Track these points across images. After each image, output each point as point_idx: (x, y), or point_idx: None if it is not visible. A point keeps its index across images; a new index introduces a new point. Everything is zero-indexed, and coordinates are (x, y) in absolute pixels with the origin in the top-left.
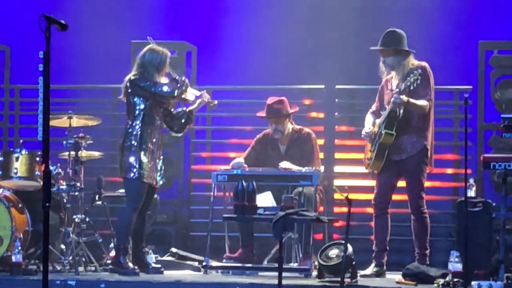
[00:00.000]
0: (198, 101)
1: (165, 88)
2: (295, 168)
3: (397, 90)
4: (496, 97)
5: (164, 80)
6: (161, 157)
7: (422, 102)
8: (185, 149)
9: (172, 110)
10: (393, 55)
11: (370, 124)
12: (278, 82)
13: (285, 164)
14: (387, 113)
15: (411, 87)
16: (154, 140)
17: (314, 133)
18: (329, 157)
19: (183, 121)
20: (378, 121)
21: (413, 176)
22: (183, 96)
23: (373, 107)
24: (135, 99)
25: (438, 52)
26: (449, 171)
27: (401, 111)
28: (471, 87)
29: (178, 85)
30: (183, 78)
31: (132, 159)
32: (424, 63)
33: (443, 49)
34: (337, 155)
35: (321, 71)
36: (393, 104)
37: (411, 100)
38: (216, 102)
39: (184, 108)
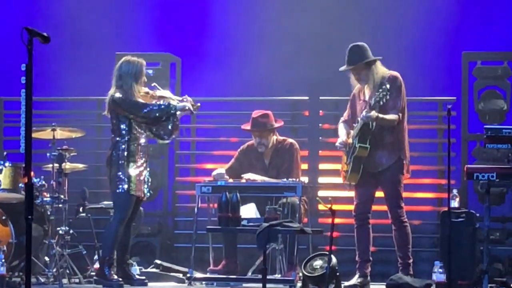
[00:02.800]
0: (181, 105)
1: (152, 110)
2: (260, 179)
3: (368, 106)
4: (479, 108)
5: (146, 90)
6: (148, 169)
7: (390, 117)
8: (169, 161)
9: None
10: (365, 69)
11: (343, 135)
12: (263, 94)
13: (249, 176)
14: (360, 127)
15: (381, 102)
16: (141, 153)
17: (299, 144)
18: (313, 168)
19: (169, 127)
20: (352, 132)
21: (390, 187)
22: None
23: (345, 116)
24: (119, 118)
25: (422, 63)
26: (433, 181)
27: (374, 123)
28: (454, 98)
29: (168, 109)
30: (170, 102)
31: (120, 173)
32: (395, 73)
33: (427, 60)
34: (321, 166)
35: (305, 83)
36: (362, 118)
37: (380, 116)
38: (199, 104)
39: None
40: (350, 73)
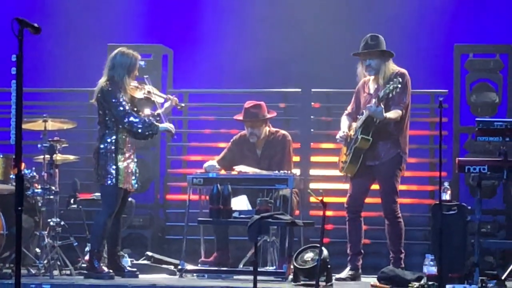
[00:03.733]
0: (166, 104)
1: (131, 117)
2: (251, 171)
3: (376, 97)
4: (471, 101)
5: (134, 84)
6: (135, 161)
7: (395, 114)
8: (161, 152)
9: (140, 114)
10: (378, 58)
11: (345, 127)
12: (255, 85)
13: (240, 168)
14: (364, 118)
15: (390, 95)
16: (129, 145)
17: (291, 136)
18: (305, 161)
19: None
20: (354, 124)
21: (386, 181)
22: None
23: (349, 109)
24: (105, 110)
25: (414, 56)
26: (425, 174)
27: (378, 119)
28: (446, 90)
29: (150, 128)
30: (153, 123)
31: (108, 166)
32: (404, 70)
33: (419, 52)
34: (313, 158)
35: (297, 75)
36: (367, 111)
37: (388, 116)
38: (183, 104)
39: (152, 112)
40: (359, 64)
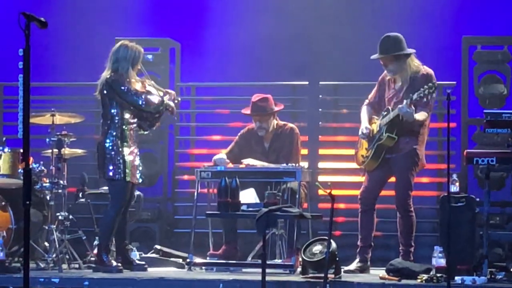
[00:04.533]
0: (165, 98)
1: (139, 100)
2: (259, 164)
3: (409, 99)
4: (479, 92)
5: (136, 78)
6: (138, 154)
7: (421, 116)
8: (169, 146)
9: None
10: (393, 61)
11: (366, 121)
12: (262, 79)
13: (248, 161)
14: (392, 117)
15: (424, 99)
16: (133, 138)
17: (298, 129)
18: (313, 153)
19: (154, 121)
20: (378, 121)
21: (402, 174)
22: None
23: (370, 98)
24: (111, 101)
25: (422, 48)
26: (433, 166)
27: (405, 118)
28: (454, 82)
29: (159, 103)
30: (165, 100)
31: (115, 160)
32: (431, 71)
33: (427, 44)
34: (321, 151)
35: (305, 68)
36: (398, 111)
37: (417, 117)
38: (179, 98)
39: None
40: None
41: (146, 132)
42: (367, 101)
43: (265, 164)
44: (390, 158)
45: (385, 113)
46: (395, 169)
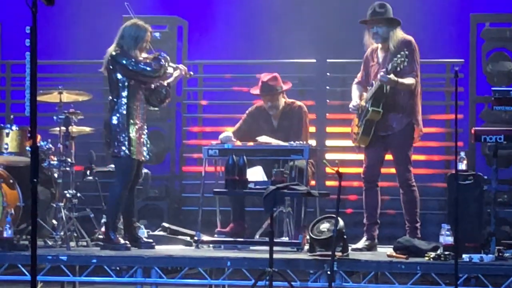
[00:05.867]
0: (175, 73)
1: (147, 67)
2: (274, 142)
3: (384, 69)
4: (487, 70)
5: (144, 55)
6: (146, 131)
7: (409, 80)
8: (176, 124)
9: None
10: (385, 26)
11: (356, 97)
12: (270, 56)
13: (263, 139)
14: (374, 90)
15: (398, 68)
16: (140, 115)
17: (306, 107)
18: (321, 131)
19: (162, 95)
20: (365, 95)
21: (399, 151)
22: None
23: (358, 77)
24: (117, 75)
25: (430, 25)
26: (441, 144)
27: (388, 87)
28: (462, 60)
29: (161, 64)
30: (165, 56)
31: (121, 137)
32: (410, 38)
33: (435, 22)
34: (329, 129)
35: (312, 45)
36: (379, 81)
37: (400, 80)
38: (192, 73)
39: (162, 82)
40: (366, 32)
41: (156, 108)
42: (356, 79)
43: (280, 142)
44: (385, 136)
45: (370, 87)
46: (391, 147)
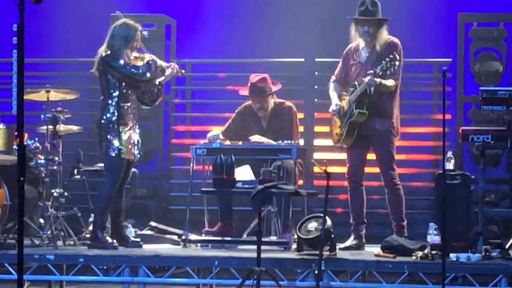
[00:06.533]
0: (168, 71)
1: (136, 71)
2: (266, 141)
3: (372, 72)
4: (475, 70)
5: (135, 54)
6: (138, 131)
7: (391, 82)
8: (164, 123)
9: None
10: (376, 26)
11: (336, 98)
12: (258, 55)
13: (256, 138)
14: (360, 92)
15: (388, 72)
16: (131, 115)
17: (295, 106)
18: (309, 131)
19: (154, 94)
20: (348, 98)
21: (383, 149)
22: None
23: (336, 75)
24: (108, 76)
25: (418, 25)
26: (429, 143)
27: (372, 89)
28: (450, 60)
29: (151, 70)
30: (155, 59)
31: (110, 136)
32: (396, 40)
33: (423, 21)
34: (317, 128)
35: (301, 45)
36: (367, 85)
37: (383, 82)
38: (183, 71)
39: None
40: (352, 28)
41: (149, 107)
42: (333, 77)
43: (272, 141)
44: (367, 136)
45: (352, 89)
46: (374, 147)
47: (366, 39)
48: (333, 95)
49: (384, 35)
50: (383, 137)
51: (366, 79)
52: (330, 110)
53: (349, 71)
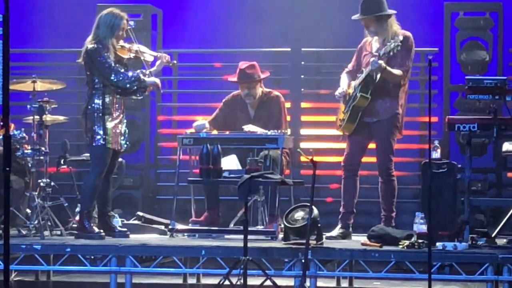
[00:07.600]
0: (157, 62)
1: (116, 76)
2: (260, 131)
3: (377, 54)
4: (462, 59)
5: (122, 44)
6: (125, 121)
7: (397, 71)
8: (151, 113)
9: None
10: (375, 23)
11: (345, 85)
12: (245, 45)
13: (249, 127)
14: (364, 76)
15: (391, 53)
16: (117, 105)
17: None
18: (295, 120)
19: (137, 94)
20: (353, 83)
21: (383, 139)
22: (142, 58)
23: (349, 67)
24: (93, 70)
25: (404, 14)
26: (415, 132)
27: (378, 75)
28: (436, 49)
29: (133, 81)
30: (143, 78)
31: (95, 126)
32: (408, 33)
33: (409, 11)
34: (303, 118)
35: (287, 34)
36: (370, 66)
37: (388, 68)
38: (175, 61)
39: (143, 70)
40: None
41: (140, 97)
42: (346, 69)
43: (264, 131)
44: (370, 123)
45: (359, 74)
46: (375, 135)
47: (370, 35)
48: (343, 82)
49: (394, 29)
50: (385, 125)
51: (370, 60)
52: (336, 93)
53: (361, 62)
